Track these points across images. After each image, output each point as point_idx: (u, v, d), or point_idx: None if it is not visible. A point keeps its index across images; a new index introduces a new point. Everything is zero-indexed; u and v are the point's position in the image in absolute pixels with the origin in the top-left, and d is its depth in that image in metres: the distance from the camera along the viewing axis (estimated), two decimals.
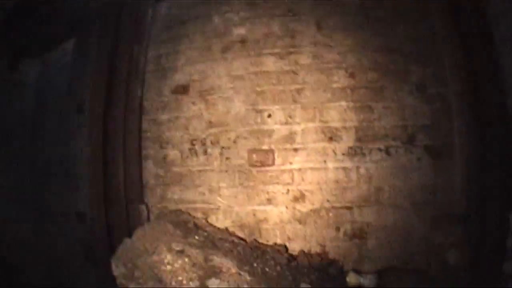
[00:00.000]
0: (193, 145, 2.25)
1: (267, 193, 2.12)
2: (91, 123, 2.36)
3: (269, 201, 2.11)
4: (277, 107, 2.12)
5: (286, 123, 2.10)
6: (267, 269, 1.71)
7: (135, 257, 1.65)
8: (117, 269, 1.65)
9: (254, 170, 2.13)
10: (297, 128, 2.09)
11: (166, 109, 2.35)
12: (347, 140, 2.07)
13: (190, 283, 1.50)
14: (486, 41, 1.98)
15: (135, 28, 2.32)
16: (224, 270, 1.59)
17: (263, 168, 2.12)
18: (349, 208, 2.07)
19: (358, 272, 1.98)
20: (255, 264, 1.71)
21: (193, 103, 2.28)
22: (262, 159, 2.12)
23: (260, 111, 2.14)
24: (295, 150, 2.09)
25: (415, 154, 2.09)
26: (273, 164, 2.11)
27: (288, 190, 2.09)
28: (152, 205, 2.36)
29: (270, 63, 2.16)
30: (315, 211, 2.08)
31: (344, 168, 2.07)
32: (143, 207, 2.34)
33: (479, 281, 1.86)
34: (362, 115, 2.08)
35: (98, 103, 2.40)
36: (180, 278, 1.53)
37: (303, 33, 2.17)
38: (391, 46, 2.13)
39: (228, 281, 1.52)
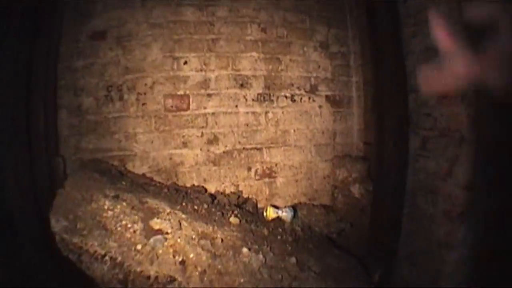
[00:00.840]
0: (109, 91, 2.23)
1: (183, 136, 2.18)
2: (14, 74, 2.21)
3: (185, 144, 2.18)
4: (193, 54, 2.19)
5: (201, 70, 2.18)
6: (196, 207, 1.77)
7: (75, 207, 1.58)
8: (58, 223, 1.52)
9: (170, 115, 2.17)
10: (211, 75, 2.18)
11: (82, 55, 2.28)
12: (257, 87, 2.21)
13: (135, 225, 1.50)
14: (390, 8, 2.23)
15: None
16: (160, 210, 1.62)
17: (178, 113, 2.17)
18: (259, 149, 2.22)
19: (274, 206, 2.13)
20: (183, 204, 1.76)
21: (110, 49, 2.25)
22: (178, 104, 2.17)
23: (176, 58, 2.19)
24: (209, 95, 2.18)
25: (317, 102, 2.31)
26: (188, 108, 2.17)
27: (202, 134, 2.17)
28: (67, 157, 2.28)
29: (189, 13, 2.22)
30: (228, 153, 2.19)
31: (254, 113, 2.21)
32: (59, 159, 2.25)
33: (379, 209, 2.11)
34: (271, 65, 2.24)
35: (22, 47, 2.25)
36: (124, 222, 1.52)
37: None
38: (300, 7, 2.33)
39: (169, 220, 1.55)
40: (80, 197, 1.77)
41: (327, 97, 2.33)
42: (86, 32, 2.28)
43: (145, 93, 2.20)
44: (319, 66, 2.33)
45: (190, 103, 2.19)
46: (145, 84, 2.20)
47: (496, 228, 1.23)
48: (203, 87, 2.19)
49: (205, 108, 2.18)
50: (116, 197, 1.73)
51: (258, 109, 2.22)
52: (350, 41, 2.43)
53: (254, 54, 2.23)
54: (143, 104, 2.20)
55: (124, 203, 1.69)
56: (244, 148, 2.21)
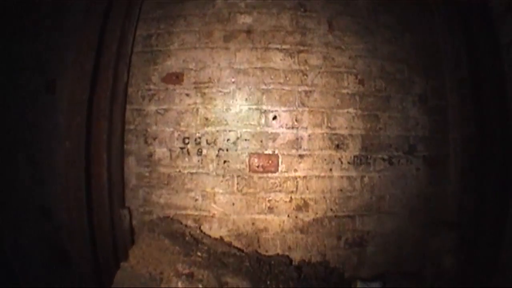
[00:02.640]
0: (185, 143, 1.89)
1: (269, 201, 1.86)
2: (71, 111, 1.86)
3: (270, 209, 1.86)
4: (283, 108, 1.84)
5: (293, 127, 1.85)
6: (280, 286, 1.47)
7: None
8: None
9: (255, 176, 1.84)
10: (304, 133, 1.85)
11: (154, 99, 1.93)
12: (354, 149, 1.89)
13: None
14: (492, 57, 1.91)
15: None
16: None
17: (265, 175, 1.85)
18: (351, 217, 1.91)
19: (362, 279, 1.84)
20: (268, 282, 1.47)
21: (187, 95, 1.90)
22: (265, 164, 1.84)
23: (264, 112, 1.85)
24: (301, 156, 1.85)
25: (414, 164, 2.00)
26: (276, 170, 1.84)
27: (291, 199, 1.85)
28: (134, 208, 1.96)
29: (278, 60, 1.87)
30: (317, 220, 1.88)
31: (349, 177, 1.89)
32: (125, 211, 1.93)
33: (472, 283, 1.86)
34: (369, 123, 1.91)
35: (81, 86, 1.89)
36: None
37: (314, 31, 1.92)
38: (398, 55, 1.99)
39: None
40: (147, 276, 1.49)
41: (424, 158, 2.02)
42: (159, 72, 1.93)
43: (227, 150, 1.86)
44: (417, 123, 2.01)
45: (279, 164, 1.86)
46: (228, 139, 1.86)
47: None
48: (294, 147, 1.85)
49: (295, 170, 1.86)
50: (191, 275, 1.45)
51: (353, 173, 1.90)
52: (448, 93, 2.09)
53: (351, 110, 1.89)
54: (225, 161, 1.87)
55: (200, 285, 1.40)
56: (335, 216, 1.90)
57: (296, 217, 1.91)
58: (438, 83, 2.11)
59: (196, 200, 1.91)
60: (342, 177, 1.92)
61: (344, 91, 1.93)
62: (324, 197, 1.92)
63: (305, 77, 1.91)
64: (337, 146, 1.91)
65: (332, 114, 1.91)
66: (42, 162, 1.98)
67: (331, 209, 1.93)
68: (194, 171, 1.91)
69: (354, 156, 1.93)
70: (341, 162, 1.92)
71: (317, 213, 1.92)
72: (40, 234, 2.00)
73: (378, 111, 1.97)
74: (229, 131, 1.89)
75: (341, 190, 1.93)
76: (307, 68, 1.92)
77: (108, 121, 1.89)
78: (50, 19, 2.00)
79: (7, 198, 2.03)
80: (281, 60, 1.91)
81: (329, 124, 1.91)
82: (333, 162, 1.91)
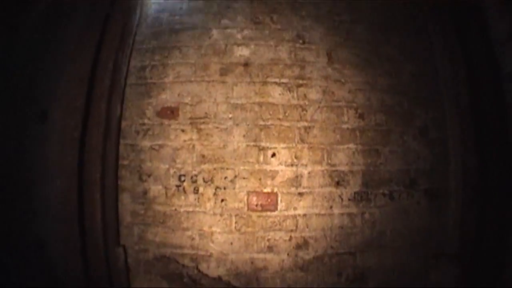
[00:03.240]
0: (181, 181, 1.80)
1: (268, 240, 1.79)
2: (62, 148, 1.77)
3: (270, 248, 1.79)
4: (282, 145, 1.77)
5: (292, 164, 1.77)
6: None
7: None
8: None
9: (254, 215, 1.77)
10: (304, 170, 1.78)
11: (149, 134, 1.84)
12: (354, 185, 1.82)
13: None
14: (493, 86, 1.87)
15: (122, 29, 1.75)
16: None
17: (264, 213, 1.77)
18: (352, 254, 1.85)
19: None
20: None
21: (183, 131, 1.81)
22: (264, 203, 1.77)
23: (263, 149, 1.77)
24: (300, 194, 1.78)
25: (415, 198, 1.94)
26: (275, 209, 1.77)
27: (291, 237, 1.79)
28: (128, 246, 1.88)
29: (276, 94, 1.79)
30: (318, 258, 1.82)
31: (350, 214, 1.83)
32: (119, 250, 1.85)
33: None
34: (369, 159, 1.84)
35: (73, 121, 1.80)
36: None
37: (313, 64, 1.84)
38: (398, 87, 1.93)
39: None
40: None
41: (425, 191, 1.96)
42: (154, 106, 1.85)
43: (224, 188, 1.79)
44: (418, 157, 1.95)
45: (278, 202, 1.79)
46: (225, 177, 1.79)
47: None
48: (294, 185, 1.78)
49: (295, 209, 1.79)
50: None
51: (354, 210, 1.83)
52: (448, 125, 2.04)
53: (351, 145, 1.83)
54: (222, 200, 1.79)
55: None
56: (336, 253, 1.84)
57: (296, 255, 1.84)
58: (438, 114, 2.05)
59: (193, 239, 1.84)
60: (342, 214, 1.86)
61: (344, 126, 1.86)
62: (324, 235, 1.85)
63: (304, 112, 1.83)
64: (338, 183, 1.84)
65: (332, 150, 1.84)
66: (36, 194, 1.87)
67: (332, 247, 1.86)
68: (190, 209, 1.83)
69: (355, 193, 1.86)
70: (342, 199, 1.85)
71: (317, 251, 1.85)
72: (37, 267, 1.91)
73: (379, 145, 1.90)
74: (227, 168, 1.81)
75: (341, 227, 1.86)
76: (306, 103, 1.84)
77: (101, 158, 1.81)
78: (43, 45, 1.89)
79: (5, 228, 1.92)
80: (279, 94, 1.83)
81: (329, 161, 1.84)
82: (334, 199, 1.84)
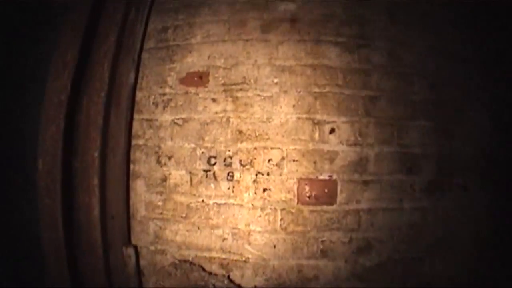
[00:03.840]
0: (211, 164, 1.07)
1: (322, 242, 1.06)
2: (46, 117, 0.99)
3: (324, 253, 1.06)
4: (343, 119, 1.06)
5: (355, 143, 1.06)
6: None
7: None
8: None
9: (305, 209, 1.04)
10: (370, 152, 1.06)
11: (170, 106, 1.11)
12: (427, 173, 1.12)
13: None
14: None
15: None
16: None
17: (319, 207, 1.05)
18: (420, 260, 1.13)
19: None
20: None
21: (214, 100, 1.08)
22: (319, 194, 1.05)
23: (318, 123, 1.05)
24: (365, 183, 1.07)
25: (489, 190, 1.23)
26: (334, 201, 1.05)
27: (351, 239, 1.06)
28: (142, 245, 1.11)
29: (333, 56, 1.09)
30: (381, 265, 1.09)
31: (422, 209, 1.12)
32: (130, 251, 1.09)
33: None
34: (443, 139, 1.13)
35: (60, 82, 1.05)
36: None
37: (373, 23, 1.17)
38: (470, 58, 1.24)
39: None
40: None
41: (502, 183, 1.26)
42: (177, 72, 1.11)
43: (268, 173, 1.06)
44: (492, 139, 1.25)
45: (338, 193, 1.06)
46: (269, 160, 1.06)
47: None
48: (357, 170, 1.07)
49: (358, 202, 1.07)
50: None
51: (426, 204, 1.13)
52: None
53: (423, 122, 1.14)
54: (265, 189, 1.06)
55: None
56: (402, 258, 1.12)
57: (356, 261, 1.12)
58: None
59: (225, 239, 1.09)
60: (414, 209, 1.15)
61: (415, 97, 1.17)
62: (391, 236, 1.13)
63: (368, 78, 1.13)
64: (409, 169, 1.14)
65: (403, 127, 1.14)
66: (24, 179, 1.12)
67: (398, 250, 1.15)
68: (222, 201, 1.10)
69: (428, 182, 1.16)
70: (414, 190, 1.15)
71: (381, 256, 1.14)
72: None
73: (452, 124, 1.21)
74: (271, 148, 1.09)
75: (411, 225, 1.16)
76: (370, 67, 1.14)
77: (101, 133, 1.05)
78: None
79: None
80: (337, 56, 1.14)
81: (399, 140, 1.13)
82: (404, 190, 1.14)
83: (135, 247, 1.18)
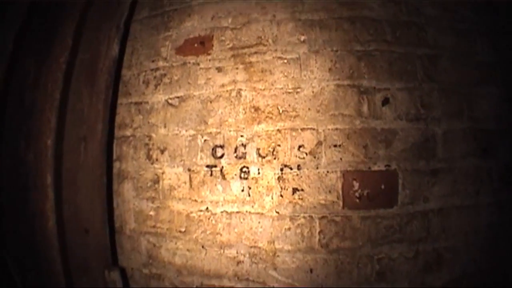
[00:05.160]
0: (217, 157, 0.37)
1: (378, 261, 0.36)
2: None
3: (381, 275, 0.37)
4: (398, 85, 0.37)
5: (417, 118, 0.37)
6: None
7: None
8: None
9: (354, 214, 0.35)
10: (437, 129, 0.37)
11: (164, 82, 0.42)
12: (504, 154, 0.42)
13: None
14: None
15: None
16: None
17: (373, 212, 0.35)
18: (499, 272, 0.42)
19: None
20: None
21: (219, 70, 0.39)
22: (374, 192, 0.35)
23: (366, 91, 0.37)
24: (434, 172, 0.38)
25: None
26: (394, 202, 0.35)
27: (417, 252, 0.37)
28: (134, 267, 0.39)
29: (375, 6, 0.40)
30: (452, 283, 0.39)
31: (499, 203, 0.42)
32: (114, 275, 0.35)
33: None
34: None
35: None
36: None
37: None
38: None
39: None
40: None
41: None
42: (173, 40, 0.40)
43: (299, 167, 0.37)
44: None
45: (399, 189, 0.37)
46: (300, 147, 0.37)
47: None
48: (422, 156, 0.39)
49: (426, 200, 0.39)
50: None
51: (504, 195, 0.44)
52: None
53: (494, 89, 0.44)
54: (295, 190, 0.38)
55: None
56: (480, 271, 0.43)
57: (422, 283, 0.43)
58: None
59: (240, 262, 0.41)
60: (491, 204, 0.48)
61: (479, 58, 0.50)
62: (466, 243, 0.47)
63: (423, 34, 0.46)
64: (485, 151, 0.47)
65: (472, 96, 0.47)
66: None
67: (475, 261, 0.47)
68: (234, 209, 0.42)
69: (505, 167, 0.48)
70: (491, 178, 0.48)
71: (453, 272, 0.46)
72: None
73: None
74: (302, 129, 0.41)
75: (489, 226, 0.48)
76: (423, 21, 0.47)
77: (59, 113, 0.36)
78: None
79: None
80: (379, 6, 0.46)
81: (470, 113, 0.46)
82: (481, 179, 0.47)
83: (122, 270, 0.51)
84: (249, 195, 0.48)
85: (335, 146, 0.48)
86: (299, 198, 0.47)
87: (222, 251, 0.49)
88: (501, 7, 0.62)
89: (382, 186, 0.47)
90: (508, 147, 0.56)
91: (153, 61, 0.59)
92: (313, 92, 0.48)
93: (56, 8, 0.51)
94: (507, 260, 0.55)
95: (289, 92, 0.49)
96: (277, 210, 0.48)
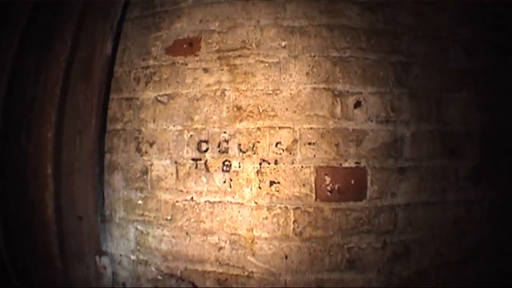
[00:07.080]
0: (202, 151, 0.46)
1: (348, 250, 0.45)
2: None
3: (351, 264, 0.45)
4: (370, 89, 0.46)
5: (387, 120, 0.46)
6: None
7: None
8: None
9: (326, 207, 0.43)
10: (405, 131, 0.46)
11: (154, 80, 0.51)
12: (472, 156, 0.52)
13: None
14: None
15: None
16: None
17: (344, 204, 0.44)
18: (464, 262, 0.52)
19: None
20: None
21: (206, 70, 0.48)
22: (344, 186, 0.44)
23: (340, 95, 0.46)
24: (401, 170, 0.47)
25: None
26: (363, 196, 0.44)
27: (385, 243, 0.46)
28: (123, 254, 0.48)
29: (353, 14, 0.48)
30: (421, 274, 0.49)
31: (466, 201, 0.52)
32: (105, 260, 0.45)
33: None
34: (486, 115, 0.53)
35: (9, 38, 0.39)
36: None
37: None
38: (507, 24, 0.63)
39: None
40: None
41: None
42: (164, 41, 0.49)
43: (276, 161, 0.45)
44: None
45: (368, 185, 0.46)
46: (277, 144, 0.46)
47: None
48: (390, 155, 0.48)
49: (393, 195, 0.48)
50: None
51: (471, 194, 0.53)
52: None
53: (464, 95, 0.54)
54: (272, 183, 0.46)
55: None
56: (445, 264, 0.52)
57: (391, 272, 0.53)
58: None
59: (221, 249, 0.50)
60: (458, 201, 0.57)
61: (452, 65, 0.59)
62: (433, 236, 0.56)
63: (397, 41, 0.55)
64: (452, 152, 0.56)
65: (442, 101, 0.56)
66: None
67: (441, 254, 0.57)
68: (217, 199, 0.51)
69: (473, 168, 0.57)
70: (457, 178, 0.57)
71: (420, 262, 0.55)
72: None
73: (495, 97, 0.62)
74: (280, 128, 0.50)
75: (456, 221, 0.58)
76: (398, 29, 0.56)
77: (58, 107, 0.46)
78: None
79: None
80: (357, 15, 0.55)
81: (439, 116, 0.55)
82: (448, 178, 0.56)
83: (111, 255, 0.60)
84: (230, 187, 0.57)
85: (309, 144, 0.56)
86: (275, 190, 0.56)
87: (205, 238, 0.58)
88: (480, 17, 0.71)
89: (352, 181, 0.56)
90: (476, 149, 0.64)
91: (144, 60, 0.67)
92: (291, 94, 0.57)
93: (57, 7, 0.60)
94: (474, 254, 0.64)
95: (269, 94, 0.57)
96: (255, 201, 0.56)
